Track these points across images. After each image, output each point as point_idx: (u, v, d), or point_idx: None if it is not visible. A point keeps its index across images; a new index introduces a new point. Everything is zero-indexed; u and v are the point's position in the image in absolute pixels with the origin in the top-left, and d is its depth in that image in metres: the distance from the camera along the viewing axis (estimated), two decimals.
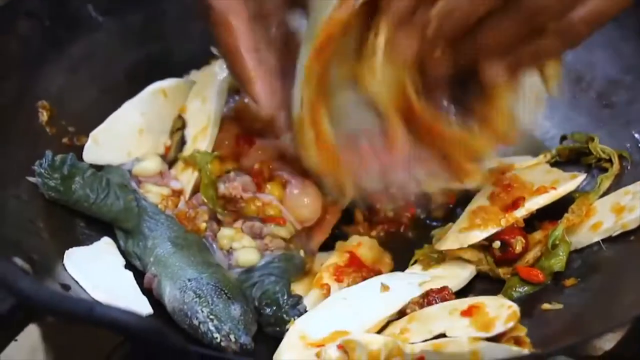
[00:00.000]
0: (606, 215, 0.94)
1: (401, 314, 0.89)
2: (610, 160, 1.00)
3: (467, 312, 0.85)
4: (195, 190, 0.98)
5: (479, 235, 0.93)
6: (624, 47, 1.04)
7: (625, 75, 1.04)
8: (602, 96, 1.05)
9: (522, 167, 1.02)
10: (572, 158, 1.04)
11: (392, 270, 0.97)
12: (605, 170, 1.00)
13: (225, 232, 0.95)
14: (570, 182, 0.97)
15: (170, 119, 1.04)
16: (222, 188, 0.96)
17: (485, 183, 0.98)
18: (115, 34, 1.07)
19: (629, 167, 0.99)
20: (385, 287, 0.90)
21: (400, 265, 0.97)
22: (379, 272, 0.95)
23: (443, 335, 0.84)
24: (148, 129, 1.02)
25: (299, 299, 0.90)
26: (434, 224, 1.02)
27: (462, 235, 0.94)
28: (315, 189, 0.96)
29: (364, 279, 0.94)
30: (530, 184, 0.97)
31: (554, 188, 0.96)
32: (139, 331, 0.70)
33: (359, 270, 0.95)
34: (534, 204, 0.95)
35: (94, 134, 1.00)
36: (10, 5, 0.99)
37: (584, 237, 0.94)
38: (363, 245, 0.98)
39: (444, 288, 0.90)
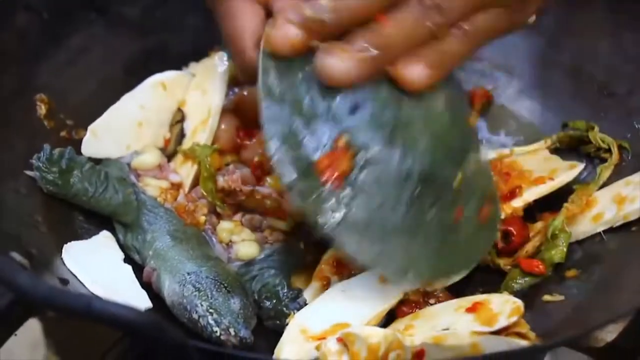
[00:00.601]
0: (607, 205, 0.94)
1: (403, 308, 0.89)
2: (609, 150, 0.99)
3: (472, 309, 0.85)
4: (195, 183, 0.98)
5: None
6: (625, 36, 1.04)
7: (627, 65, 1.03)
8: (603, 86, 1.05)
9: (521, 151, 1.02)
10: (572, 145, 1.03)
11: None
12: (605, 160, 0.99)
13: (224, 225, 0.95)
14: (568, 172, 0.97)
15: (169, 111, 1.03)
16: (222, 181, 0.96)
17: None
18: (114, 26, 1.07)
19: (629, 158, 0.98)
20: (383, 279, 0.90)
21: None
22: None
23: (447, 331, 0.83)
24: (147, 122, 1.01)
25: (298, 292, 0.90)
26: None
27: None
28: None
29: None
30: (528, 171, 0.97)
31: (552, 178, 0.96)
32: (138, 326, 0.69)
33: None
34: (531, 194, 0.95)
35: (92, 127, 0.99)
36: None
37: (585, 228, 0.94)
38: None
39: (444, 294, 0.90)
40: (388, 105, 0.83)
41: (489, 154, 1.01)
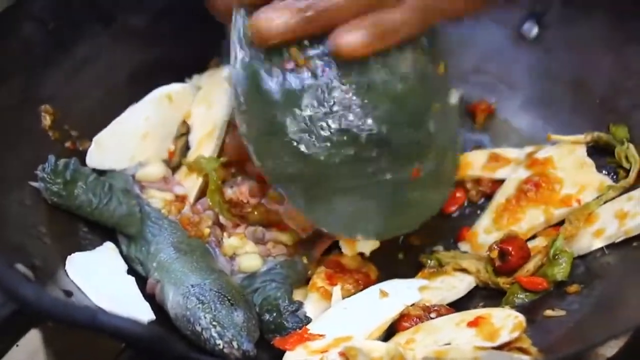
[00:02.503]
0: (609, 221, 0.94)
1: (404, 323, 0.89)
2: (627, 171, 0.99)
3: (474, 323, 0.85)
4: (199, 195, 0.98)
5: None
6: (627, 51, 1.04)
7: (629, 80, 1.03)
8: (605, 101, 1.05)
9: (561, 142, 1.02)
10: (608, 147, 1.02)
11: (378, 275, 0.97)
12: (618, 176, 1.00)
13: (230, 242, 0.95)
14: (595, 194, 0.97)
15: (174, 124, 1.03)
16: (230, 192, 0.96)
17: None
18: (119, 37, 1.07)
19: None
20: (384, 293, 0.90)
21: (385, 275, 0.97)
22: (367, 275, 0.96)
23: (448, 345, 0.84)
24: (152, 134, 1.02)
25: (299, 305, 0.90)
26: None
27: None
28: None
29: (356, 281, 0.94)
30: (559, 182, 0.98)
31: (578, 201, 0.97)
32: (142, 339, 0.70)
33: (348, 273, 0.95)
34: (556, 216, 0.97)
35: (97, 138, 1.00)
36: (14, 8, 0.98)
37: (587, 243, 0.94)
38: (345, 257, 0.97)
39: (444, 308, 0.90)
40: (352, 69, 0.85)
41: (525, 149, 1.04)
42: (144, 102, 1.02)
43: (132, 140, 1.01)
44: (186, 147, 1.03)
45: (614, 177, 0.99)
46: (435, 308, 0.90)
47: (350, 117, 0.85)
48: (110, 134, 1.00)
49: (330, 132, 0.85)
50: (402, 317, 0.89)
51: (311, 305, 0.92)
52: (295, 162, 0.87)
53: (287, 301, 0.90)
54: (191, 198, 0.98)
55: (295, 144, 0.86)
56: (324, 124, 0.85)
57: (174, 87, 1.04)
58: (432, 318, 0.89)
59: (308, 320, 0.89)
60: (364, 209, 0.89)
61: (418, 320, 0.88)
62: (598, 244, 0.94)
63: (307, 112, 0.85)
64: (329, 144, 0.86)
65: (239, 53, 0.88)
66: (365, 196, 0.89)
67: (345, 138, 0.86)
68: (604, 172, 1.00)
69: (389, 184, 0.88)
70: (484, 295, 0.94)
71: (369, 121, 0.86)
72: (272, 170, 0.89)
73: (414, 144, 0.88)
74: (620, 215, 0.94)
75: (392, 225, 0.92)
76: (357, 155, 0.86)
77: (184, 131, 1.03)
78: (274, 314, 0.89)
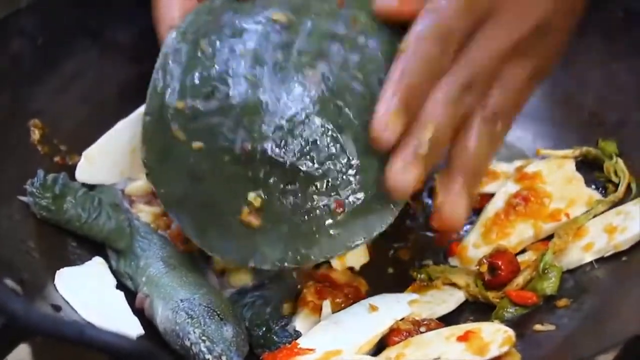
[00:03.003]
0: (598, 235, 0.94)
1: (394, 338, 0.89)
2: (616, 185, 0.99)
3: (463, 337, 0.85)
4: None
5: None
6: (615, 66, 1.04)
7: (617, 95, 1.04)
8: (594, 116, 1.05)
9: (550, 156, 1.03)
10: (597, 162, 1.03)
11: (368, 289, 0.96)
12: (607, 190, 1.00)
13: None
14: (584, 209, 0.97)
15: None
16: None
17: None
18: (108, 52, 1.07)
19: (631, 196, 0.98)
20: (373, 307, 0.90)
21: (374, 289, 0.97)
22: (356, 289, 0.95)
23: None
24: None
25: (288, 320, 0.90)
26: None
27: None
28: None
29: (346, 296, 0.94)
30: (547, 196, 0.98)
31: (567, 215, 0.97)
32: (130, 354, 0.69)
33: (338, 287, 0.95)
34: (544, 231, 0.97)
35: (87, 153, 0.99)
36: (2, 23, 0.99)
37: (576, 257, 0.94)
38: (334, 271, 0.97)
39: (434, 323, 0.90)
40: None
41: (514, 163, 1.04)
42: (134, 117, 1.02)
43: (121, 155, 1.01)
44: None
45: (603, 191, 1.00)
46: (425, 322, 0.90)
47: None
48: (99, 148, 1.00)
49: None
50: (392, 331, 0.89)
51: (301, 320, 0.92)
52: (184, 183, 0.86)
53: (276, 316, 0.90)
54: None
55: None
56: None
57: None
58: (421, 332, 0.89)
59: (298, 334, 0.89)
60: (258, 237, 0.85)
61: (408, 334, 0.88)
62: (587, 258, 0.93)
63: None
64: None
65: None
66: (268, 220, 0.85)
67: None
68: (592, 186, 1.00)
69: (291, 211, 0.84)
70: (474, 309, 0.94)
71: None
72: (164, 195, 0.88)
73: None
74: (609, 230, 0.94)
75: (294, 254, 0.86)
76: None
77: None
78: (263, 329, 0.89)
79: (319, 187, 0.84)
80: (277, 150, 0.83)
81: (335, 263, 0.96)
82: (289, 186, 0.84)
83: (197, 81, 0.87)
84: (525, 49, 0.83)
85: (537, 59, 0.84)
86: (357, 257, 0.97)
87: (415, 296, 0.93)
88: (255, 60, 0.85)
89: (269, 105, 0.84)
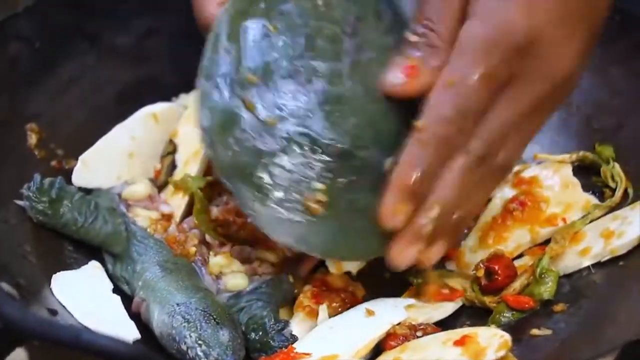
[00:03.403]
0: (595, 240, 0.94)
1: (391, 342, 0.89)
2: (613, 190, 0.99)
3: (460, 342, 0.85)
4: (186, 214, 0.98)
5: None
6: (612, 71, 1.04)
7: (614, 99, 1.04)
8: (590, 120, 1.05)
9: (547, 161, 1.03)
10: (593, 166, 1.02)
11: (365, 294, 0.97)
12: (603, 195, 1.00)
13: (216, 261, 0.95)
14: (581, 213, 0.97)
15: (160, 143, 1.04)
16: (216, 211, 0.96)
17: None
18: (105, 56, 1.07)
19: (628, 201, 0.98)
20: (370, 312, 0.90)
21: (371, 293, 0.97)
22: (353, 294, 0.95)
23: None
24: (138, 153, 1.02)
25: (285, 324, 0.90)
26: None
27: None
28: None
29: (342, 300, 0.94)
30: (545, 201, 0.98)
31: (564, 220, 0.97)
32: (126, 358, 0.69)
33: (334, 291, 0.95)
34: (541, 235, 0.97)
35: (83, 157, 0.99)
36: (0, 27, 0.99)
37: (573, 262, 0.94)
38: (331, 275, 0.97)
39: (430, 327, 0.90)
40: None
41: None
42: (130, 121, 1.03)
43: (118, 159, 1.01)
44: (173, 166, 1.03)
45: (600, 196, 1.00)
46: (422, 327, 0.90)
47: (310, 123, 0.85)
48: (96, 152, 1.00)
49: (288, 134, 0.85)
50: (389, 335, 0.89)
51: (297, 324, 0.92)
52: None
53: (273, 320, 0.90)
54: (177, 217, 0.98)
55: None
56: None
57: (160, 107, 1.05)
58: (418, 337, 0.88)
59: (294, 339, 0.89)
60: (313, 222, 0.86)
61: (404, 339, 0.88)
62: (584, 262, 0.93)
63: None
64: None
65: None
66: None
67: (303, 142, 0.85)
68: (589, 191, 1.00)
69: (345, 204, 0.86)
70: (470, 314, 0.94)
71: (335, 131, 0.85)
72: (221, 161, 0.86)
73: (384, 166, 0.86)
74: (606, 235, 0.94)
75: (337, 251, 0.89)
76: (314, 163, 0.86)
77: (171, 150, 1.03)
78: (260, 333, 0.89)
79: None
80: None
81: (332, 267, 0.95)
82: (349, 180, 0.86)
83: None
84: (544, 103, 0.81)
85: (553, 105, 0.84)
86: (355, 262, 0.97)
87: (411, 301, 0.93)
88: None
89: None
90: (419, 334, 0.89)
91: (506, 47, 0.77)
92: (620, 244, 0.92)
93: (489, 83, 0.78)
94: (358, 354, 0.87)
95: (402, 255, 0.84)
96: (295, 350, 0.87)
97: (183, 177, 0.99)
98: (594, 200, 0.98)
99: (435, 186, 0.81)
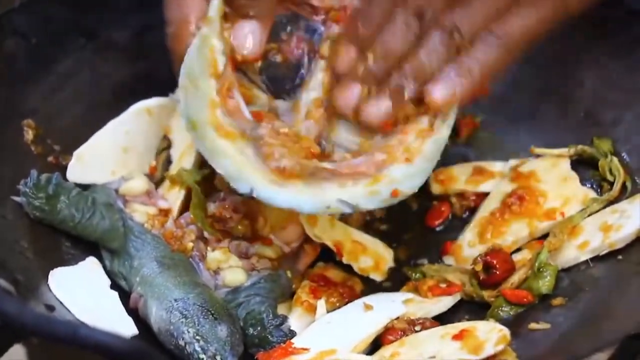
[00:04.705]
0: (593, 234, 0.94)
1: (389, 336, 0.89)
2: (611, 184, 0.99)
3: (458, 336, 0.85)
4: (183, 209, 0.98)
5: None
6: (610, 65, 1.04)
7: (613, 94, 1.04)
8: (588, 114, 1.05)
9: (545, 155, 1.03)
10: (591, 161, 1.02)
11: (363, 288, 0.97)
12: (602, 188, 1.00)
13: (214, 256, 0.94)
14: (578, 207, 0.97)
15: (154, 137, 1.03)
16: (213, 207, 0.96)
17: None
18: (102, 52, 1.07)
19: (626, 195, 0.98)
20: (368, 307, 0.90)
21: (369, 288, 0.97)
22: (351, 289, 0.95)
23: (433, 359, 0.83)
24: (133, 147, 1.01)
25: (283, 319, 0.90)
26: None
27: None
28: None
29: (341, 295, 0.94)
30: (542, 195, 0.98)
31: (562, 214, 0.97)
32: (124, 354, 0.69)
33: (333, 286, 0.95)
34: (539, 230, 0.97)
35: (77, 152, 0.99)
36: None
37: (571, 255, 0.94)
38: (329, 270, 0.97)
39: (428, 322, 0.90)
40: None
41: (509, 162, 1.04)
42: (124, 116, 1.02)
43: (112, 154, 1.01)
44: (168, 162, 1.02)
45: (598, 190, 1.00)
46: (420, 321, 0.90)
47: None
48: (90, 148, 1.00)
49: None
50: (387, 330, 0.89)
51: (295, 319, 0.92)
52: None
53: (271, 315, 0.90)
54: (175, 211, 0.97)
55: None
56: None
57: (154, 101, 1.04)
58: (417, 331, 0.88)
59: (292, 334, 0.89)
60: None
61: (403, 333, 0.88)
62: (583, 256, 0.94)
63: None
64: None
65: None
66: None
67: None
68: (587, 185, 1.00)
69: None
70: (469, 308, 0.94)
71: None
72: None
73: None
74: (604, 228, 0.94)
75: None
76: None
77: (165, 145, 1.03)
78: (258, 328, 0.89)
79: None
80: None
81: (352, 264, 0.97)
82: None
83: None
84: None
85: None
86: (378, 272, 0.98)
87: (410, 295, 0.93)
88: None
89: None
90: (417, 328, 0.89)
91: None
92: (619, 238, 0.92)
93: None
94: (356, 349, 0.87)
95: (342, 96, 0.89)
96: (293, 345, 0.86)
97: (178, 171, 0.99)
98: (592, 194, 0.98)
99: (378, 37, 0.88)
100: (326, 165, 0.89)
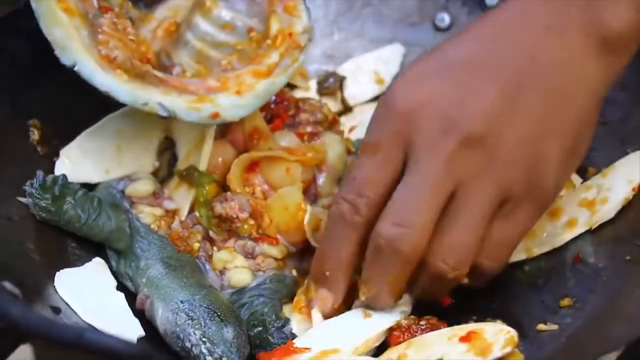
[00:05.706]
0: (576, 211, 0.95)
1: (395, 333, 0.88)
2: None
3: (466, 338, 0.84)
4: (191, 209, 0.97)
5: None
6: None
7: (620, 93, 1.03)
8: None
9: None
10: None
11: None
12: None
13: (220, 256, 0.94)
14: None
15: (152, 136, 1.02)
16: (219, 208, 0.95)
17: None
18: None
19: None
20: (367, 314, 0.89)
21: None
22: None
23: None
24: (127, 145, 1.00)
25: (286, 321, 0.90)
26: None
27: None
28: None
29: None
30: None
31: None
32: (131, 357, 0.69)
33: None
34: None
35: (64, 151, 0.99)
36: (1, 23, 0.98)
37: (562, 235, 0.95)
38: None
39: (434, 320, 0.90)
40: None
41: None
42: (117, 114, 1.01)
43: (104, 153, 1.00)
44: (173, 160, 1.01)
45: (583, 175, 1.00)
46: (427, 318, 0.89)
47: None
48: (79, 146, 1.00)
49: None
50: (394, 328, 0.88)
51: (297, 324, 0.91)
52: None
53: (273, 316, 0.89)
54: (184, 211, 0.97)
55: None
56: None
57: None
58: (422, 327, 0.88)
59: (294, 337, 0.88)
60: None
61: (408, 329, 0.88)
62: (574, 233, 0.94)
63: None
64: None
65: None
66: None
67: None
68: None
69: None
70: (475, 308, 0.93)
71: None
72: None
73: None
74: (586, 204, 0.95)
75: None
76: None
77: (167, 146, 1.02)
78: (260, 329, 0.89)
79: None
80: None
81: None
82: None
83: None
84: None
85: None
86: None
87: (408, 309, 0.91)
88: None
89: None
90: (422, 323, 0.88)
91: None
92: (608, 208, 0.93)
93: None
94: (358, 350, 0.86)
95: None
96: (294, 345, 0.86)
97: (189, 170, 0.97)
98: (577, 180, 0.99)
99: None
100: (157, 73, 0.93)
